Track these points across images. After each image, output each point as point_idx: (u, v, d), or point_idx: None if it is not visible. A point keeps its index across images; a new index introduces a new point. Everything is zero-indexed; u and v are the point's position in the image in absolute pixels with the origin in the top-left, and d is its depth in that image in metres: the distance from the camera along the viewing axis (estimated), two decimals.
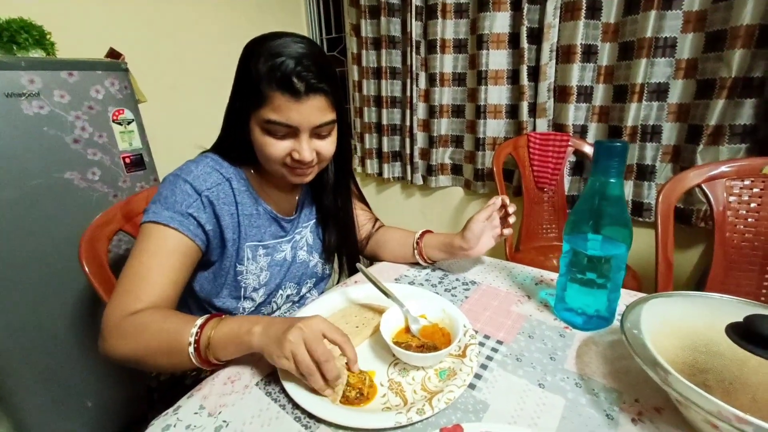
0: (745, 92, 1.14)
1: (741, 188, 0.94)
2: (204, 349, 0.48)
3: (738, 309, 0.44)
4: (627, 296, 0.65)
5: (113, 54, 1.15)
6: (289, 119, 0.55)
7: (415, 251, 0.77)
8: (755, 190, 0.93)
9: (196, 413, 0.44)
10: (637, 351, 0.41)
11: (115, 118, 1.09)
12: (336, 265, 0.86)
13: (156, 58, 1.51)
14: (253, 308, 0.70)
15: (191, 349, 0.48)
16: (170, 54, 1.57)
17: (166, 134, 1.45)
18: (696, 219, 1.28)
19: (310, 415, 0.43)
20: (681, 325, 0.45)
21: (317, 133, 0.59)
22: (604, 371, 0.49)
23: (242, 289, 0.68)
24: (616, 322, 0.58)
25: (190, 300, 0.71)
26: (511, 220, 0.72)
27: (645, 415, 0.42)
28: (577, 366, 0.50)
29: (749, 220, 0.94)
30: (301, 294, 0.78)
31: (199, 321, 0.49)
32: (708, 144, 1.22)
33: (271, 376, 0.50)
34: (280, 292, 0.74)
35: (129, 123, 1.12)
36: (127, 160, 1.13)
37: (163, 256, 0.56)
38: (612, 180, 0.51)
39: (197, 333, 0.48)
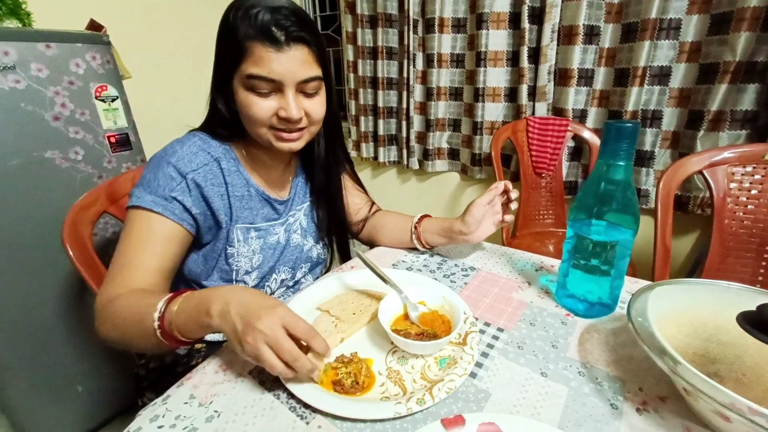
0: (747, 77, 1.12)
1: (742, 174, 0.93)
2: (168, 326, 0.46)
3: (747, 297, 0.43)
4: (627, 283, 0.64)
5: (94, 26, 1.09)
6: (271, 71, 0.52)
7: (414, 236, 0.75)
8: (756, 176, 0.92)
9: (186, 403, 0.43)
10: (644, 340, 0.39)
11: (97, 94, 1.03)
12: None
13: (140, 31, 1.44)
14: None
15: (155, 325, 0.45)
16: (156, 28, 1.49)
17: (154, 112, 1.40)
18: (693, 206, 1.27)
19: (306, 405, 0.42)
20: (689, 314, 0.44)
21: (303, 90, 0.57)
22: (607, 359, 0.48)
23: (234, 272, 0.66)
24: (618, 310, 0.57)
25: (180, 284, 0.68)
26: (513, 206, 0.70)
27: (649, 405, 0.41)
28: (579, 354, 0.49)
29: (749, 207, 0.93)
30: (296, 279, 0.76)
31: (163, 301, 0.47)
32: (708, 130, 1.21)
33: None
34: (274, 276, 0.72)
35: (113, 100, 1.06)
36: (112, 140, 1.08)
37: (146, 242, 0.54)
38: (621, 163, 0.48)
39: (161, 309, 0.46)
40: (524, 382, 0.45)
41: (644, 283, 0.65)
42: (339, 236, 0.81)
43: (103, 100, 1.04)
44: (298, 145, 0.61)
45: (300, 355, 0.40)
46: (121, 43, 1.16)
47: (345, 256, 0.83)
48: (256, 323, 0.40)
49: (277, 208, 0.70)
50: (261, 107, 0.55)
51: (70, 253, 0.71)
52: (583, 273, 0.55)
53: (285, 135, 0.58)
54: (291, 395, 0.43)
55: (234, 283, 0.66)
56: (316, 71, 0.57)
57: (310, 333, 0.42)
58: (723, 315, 0.41)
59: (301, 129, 0.59)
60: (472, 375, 0.46)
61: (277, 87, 0.54)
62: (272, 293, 0.73)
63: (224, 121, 0.61)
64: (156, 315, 0.45)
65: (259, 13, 0.52)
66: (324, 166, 0.74)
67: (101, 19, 1.12)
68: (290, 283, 0.76)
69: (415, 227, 0.75)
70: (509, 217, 0.71)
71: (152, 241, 0.55)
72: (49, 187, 0.98)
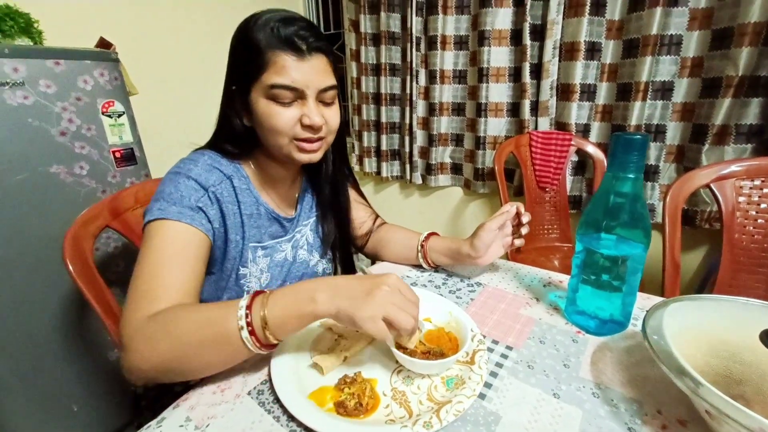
0: (751, 91, 1.13)
1: (750, 188, 0.91)
2: (260, 330, 0.42)
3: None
4: (639, 299, 0.62)
5: (104, 44, 1.11)
6: (294, 80, 0.53)
7: (420, 254, 0.74)
8: (765, 190, 0.90)
9: (181, 426, 0.41)
10: (662, 359, 0.37)
11: (104, 110, 1.04)
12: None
13: (149, 49, 1.47)
14: None
15: (245, 333, 0.41)
16: (163, 46, 1.52)
17: (159, 129, 1.41)
18: (700, 220, 1.26)
19: (306, 428, 0.40)
20: (707, 331, 0.42)
21: (322, 99, 0.57)
22: (622, 379, 0.46)
23: (245, 293, 0.63)
24: (630, 327, 0.55)
25: None
26: (524, 230, 0.68)
27: (670, 429, 0.39)
28: (592, 374, 0.47)
29: (759, 221, 0.91)
30: None
31: (243, 302, 0.43)
32: (713, 144, 1.20)
33: (265, 384, 0.46)
34: None
35: (119, 116, 1.07)
36: (117, 155, 1.08)
37: (177, 250, 0.51)
38: (630, 176, 0.47)
39: (246, 314, 0.42)
40: (536, 404, 0.43)
41: (657, 299, 0.63)
42: (344, 250, 0.80)
43: (109, 116, 1.05)
44: (317, 156, 0.61)
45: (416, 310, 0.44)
46: (129, 60, 1.18)
47: (349, 270, 0.81)
48: (381, 284, 0.43)
49: (285, 226, 0.69)
50: (284, 116, 0.55)
51: (71, 268, 0.70)
52: (593, 289, 0.53)
53: (307, 146, 0.58)
54: (291, 418, 0.41)
55: None
56: (333, 80, 0.58)
57: (418, 306, 0.45)
58: (744, 333, 0.39)
59: (320, 139, 0.59)
60: (481, 396, 0.44)
61: (299, 96, 0.55)
62: None
63: (235, 137, 0.60)
64: (241, 313, 0.42)
65: (280, 24, 0.53)
66: (332, 179, 0.73)
67: (111, 36, 1.14)
68: None
69: (422, 245, 0.74)
70: (519, 242, 0.69)
71: (182, 252, 0.51)
72: (53, 201, 0.98)
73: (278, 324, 0.42)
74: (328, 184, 0.73)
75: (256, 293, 0.45)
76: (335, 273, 0.82)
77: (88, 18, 1.28)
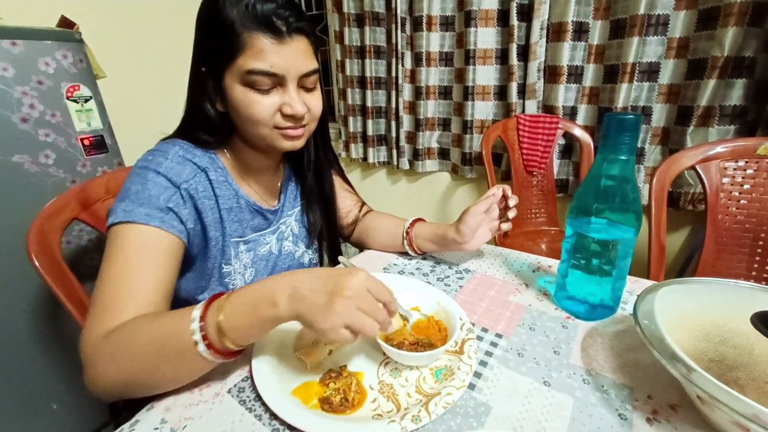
0: (735, 72, 1.12)
1: (734, 169, 0.92)
2: (217, 340, 0.38)
3: (760, 297, 0.40)
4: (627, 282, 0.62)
5: (65, 23, 1.03)
6: (274, 65, 0.48)
7: (405, 241, 0.72)
8: (749, 171, 0.91)
9: (156, 429, 0.38)
10: (654, 345, 0.37)
11: (69, 94, 0.98)
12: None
13: (116, 29, 1.37)
14: None
15: (201, 347, 0.37)
16: (133, 25, 1.43)
17: (131, 114, 1.34)
18: (684, 202, 1.27)
19: (291, 427, 0.38)
20: (698, 315, 0.41)
21: (303, 85, 0.53)
22: (613, 365, 0.45)
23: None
24: (619, 311, 0.55)
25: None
26: (511, 214, 0.66)
27: (660, 414, 0.39)
28: (583, 360, 0.46)
29: (741, 202, 0.92)
30: None
31: (197, 311, 0.39)
32: (698, 126, 1.20)
33: (246, 381, 0.44)
34: None
35: (86, 101, 1.01)
36: (86, 142, 1.02)
37: (142, 261, 0.46)
38: (622, 157, 0.46)
39: (201, 327, 0.38)
40: (527, 394, 0.42)
41: (645, 282, 0.63)
42: (331, 239, 0.77)
43: (75, 101, 0.99)
44: (300, 143, 0.57)
45: (387, 317, 0.40)
46: (95, 41, 1.11)
47: (336, 260, 0.79)
48: (343, 291, 0.37)
49: (268, 218, 0.66)
50: (263, 105, 0.50)
51: (36, 263, 0.66)
52: (583, 273, 0.52)
53: (291, 132, 0.54)
54: (274, 416, 0.39)
55: None
56: (316, 64, 0.54)
57: (391, 300, 0.41)
58: (735, 316, 0.39)
59: (303, 126, 0.55)
60: (471, 387, 0.43)
61: (278, 82, 0.50)
62: None
63: (208, 125, 0.55)
64: (195, 326, 0.37)
65: (255, 2, 0.47)
66: (315, 166, 0.70)
67: (74, 16, 1.06)
68: None
69: (407, 232, 0.72)
70: (506, 226, 0.67)
71: (150, 259, 0.47)
72: (18, 193, 0.93)
73: (237, 332, 0.38)
74: (312, 171, 0.70)
75: (214, 297, 0.40)
76: (321, 263, 0.79)
77: None
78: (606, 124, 0.46)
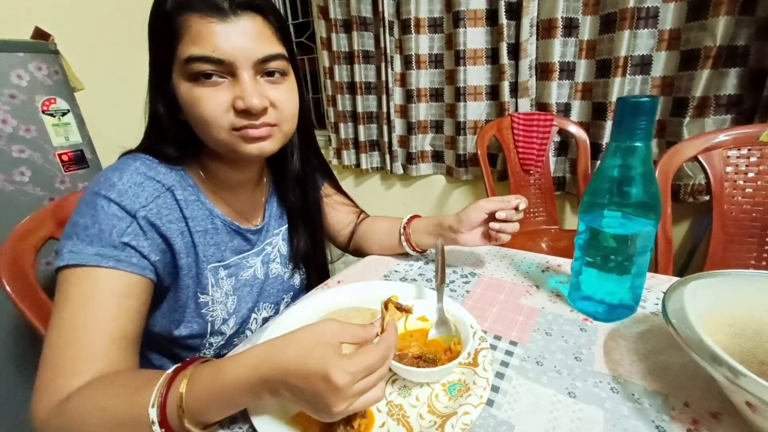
0: (729, 61, 1.11)
1: (738, 158, 0.90)
2: (175, 419, 0.33)
3: None
4: None
5: (40, 34, 0.99)
6: (216, 50, 0.41)
7: (402, 238, 0.67)
8: (752, 159, 0.89)
9: None
10: (693, 347, 0.33)
11: (45, 108, 0.93)
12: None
13: (94, 39, 1.33)
14: (222, 341, 0.57)
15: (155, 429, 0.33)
16: (111, 35, 1.38)
17: (112, 126, 1.28)
18: (684, 194, 1.25)
19: None
20: (732, 312, 0.38)
21: (265, 72, 0.45)
22: (641, 370, 0.41)
23: (209, 324, 0.53)
24: (639, 310, 0.51)
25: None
26: (511, 228, 0.59)
27: (702, 424, 0.35)
28: (608, 366, 0.42)
29: (747, 190, 0.90)
30: (280, 313, 0.64)
31: (153, 412, 0.33)
32: (694, 116, 1.19)
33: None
34: (254, 316, 0.60)
35: (63, 114, 0.96)
36: (65, 158, 0.97)
37: (96, 308, 0.40)
38: (638, 144, 0.43)
39: (157, 401, 0.33)
40: (551, 407, 0.38)
41: (662, 278, 0.59)
42: (317, 261, 0.69)
43: (51, 115, 0.94)
44: (270, 146, 0.48)
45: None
46: (72, 53, 1.06)
47: (323, 281, 0.69)
48: (330, 388, 0.29)
49: (250, 238, 0.58)
50: (212, 101, 0.43)
51: (8, 289, 0.60)
52: (599, 271, 0.49)
53: (251, 132, 0.45)
54: None
55: (208, 336, 0.54)
56: (277, 48, 0.45)
57: (370, 334, 0.35)
58: None
59: (271, 125, 0.46)
60: (489, 403, 0.38)
61: (228, 70, 0.42)
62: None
63: (171, 137, 0.48)
64: (153, 415, 0.33)
65: None
66: (299, 180, 0.62)
67: (49, 27, 1.02)
68: None
69: (404, 228, 0.68)
70: (505, 237, 0.59)
71: (105, 307, 0.40)
72: None
73: (206, 413, 0.34)
74: (294, 184, 0.62)
75: (176, 373, 0.35)
76: (310, 286, 0.69)
77: (20, 6, 1.14)
78: (619, 109, 0.42)
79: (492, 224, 0.59)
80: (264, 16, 0.44)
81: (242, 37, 0.42)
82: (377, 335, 0.36)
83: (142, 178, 0.46)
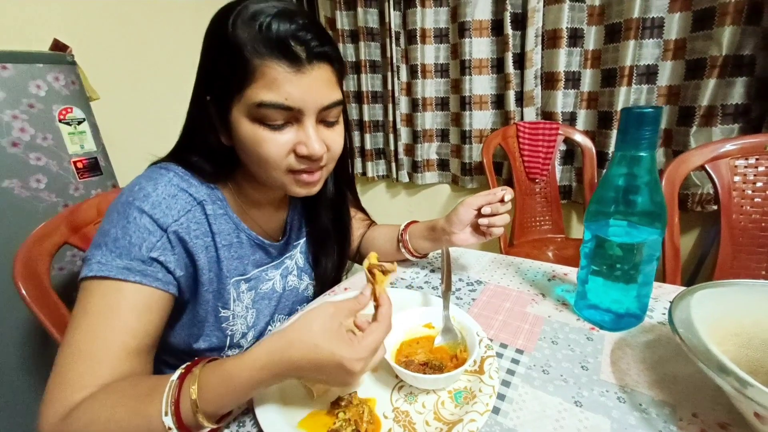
0: (735, 71, 1.11)
1: (745, 167, 0.89)
2: (191, 419, 0.34)
3: None
4: None
5: (58, 46, 1.02)
6: (289, 98, 0.41)
7: (400, 244, 0.68)
8: (760, 168, 0.88)
9: None
10: (700, 357, 0.33)
11: (61, 117, 0.96)
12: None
13: (110, 51, 1.36)
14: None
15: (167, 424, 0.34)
16: (126, 46, 1.41)
17: (126, 135, 1.31)
18: (692, 203, 1.24)
19: None
20: (740, 322, 0.38)
21: (324, 119, 0.46)
22: (648, 380, 0.41)
23: (228, 338, 0.54)
24: (646, 319, 0.51)
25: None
26: (500, 221, 0.58)
27: None
28: (615, 375, 0.42)
29: (756, 200, 0.89)
30: None
31: (163, 405, 0.34)
32: (701, 126, 1.19)
33: (247, 414, 0.40)
34: (269, 328, 0.60)
35: (79, 123, 0.99)
36: (80, 165, 1.00)
37: (115, 321, 0.40)
38: (643, 153, 0.43)
39: (171, 402, 0.34)
40: (558, 416, 0.38)
41: (668, 287, 0.59)
42: (339, 278, 0.71)
43: (68, 123, 0.97)
44: (316, 189, 0.50)
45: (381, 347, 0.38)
46: (89, 64, 1.10)
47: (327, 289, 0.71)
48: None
49: (271, 252, 0.59)
50: (275, 144, 0.43)
51: (23, 292, 0.62)
52: (605, 280, 0.49)
53: (306, 177, 0.47)
54: None
55: (227, 349, 0.55)
56: (339, 94, 0.46)
57: (362, 303, 0.40)
58: None
59: (321, 167, 0.48)
60: (495, 410, 0.39)
61: (294, 116, 0.43)
62: None
63: (208, 156, 0.49)
64: (167, 408, 0.34)
65: (271, 22, 0.40)
66: (333, 205, 0.63)
67: (68, 38, 1.05)
68: None
69: (401, 234, 0.68)
70: (498, 231, 0.59)
71: (124, 320, 0.40)
72: (7, 218, 0.89)
73: (218, 405, 0.35)
74: (330, 210, 0.64)
75: (184, 374, 0.36)
76: (316, 293, 0.70)
77: (40, 19, 1.18)
78: (624, 120, 0.43)
79: (480, 220, 0.58)
80: (332, 65, 0.45)
81: (312, 87, 0.42)
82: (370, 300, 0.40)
83: (176, 190, 0.46)
